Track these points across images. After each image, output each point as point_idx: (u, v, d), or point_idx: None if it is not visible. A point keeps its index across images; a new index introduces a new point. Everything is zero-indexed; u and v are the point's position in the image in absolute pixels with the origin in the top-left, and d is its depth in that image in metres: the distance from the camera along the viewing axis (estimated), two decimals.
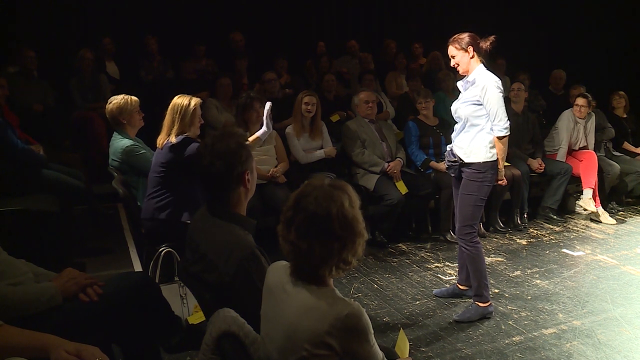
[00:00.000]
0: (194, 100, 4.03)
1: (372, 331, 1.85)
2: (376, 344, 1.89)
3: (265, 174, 5.11)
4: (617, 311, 4.19)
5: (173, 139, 3.91)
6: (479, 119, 3.91)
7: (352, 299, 4.15)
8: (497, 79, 3.92)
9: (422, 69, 8.43)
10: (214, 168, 2.38)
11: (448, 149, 4.14)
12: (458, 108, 4.00)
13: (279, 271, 2.02)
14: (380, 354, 1.92)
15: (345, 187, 1.92)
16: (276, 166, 5.28)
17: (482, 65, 3.94)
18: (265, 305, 2.04)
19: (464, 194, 3.97)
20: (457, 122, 4.08)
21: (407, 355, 2.44)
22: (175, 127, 3.94)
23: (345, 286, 4.55)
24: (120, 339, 2.68)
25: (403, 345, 2.47)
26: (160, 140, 3.98)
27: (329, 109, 6.45)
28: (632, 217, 6.74)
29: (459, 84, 4.06)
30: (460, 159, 3.97)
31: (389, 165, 5.52)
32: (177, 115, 3.96)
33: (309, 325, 1.80)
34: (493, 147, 3.91)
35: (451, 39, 3.94)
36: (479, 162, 3.90)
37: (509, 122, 3.91)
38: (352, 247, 1.87)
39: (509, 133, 3.93)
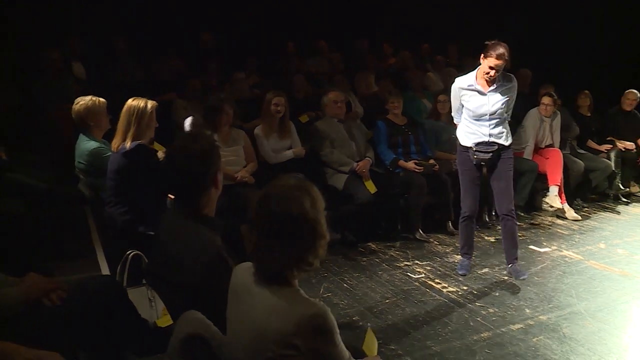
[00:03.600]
0: (150, 103, 3.96)
1: (338, 331, 1.86)
2: (342, 343, 1.90)
3: (233, 174, 5.10)
4: (581, 305, 4.28)
5: (128, 144, 3.85)
6: (507, 112, 4.60)
7: (320, 299, 4.19)
8: None
9: (391, 68, 8.48)
10: (189, 169, 2.37)
11: (483, 140, 4.59)
12: (498, 107, 4.50)
13: (244, 272, 2.01)
14: (347, 353, 1.92)
15: (309, 188, 1.92)
16: (245, 167, 5.27)
17: None
18: (231, 306, 2.04)
19: (509, 172, 4.67)
20: (489, 119, 4.55)
21: (376, 354, 2.45)
22: (132, 131, 3.87)
23: (315, 286, 4.56)
24: (86, 344, 2.65)
25: (371, 343, 2.48)
26: (115, 144, 3.92)
27: (298, 109, 6.46)
28: (596, 213, 6.88)
29: (489, 87, 4.49)
30: (501, 144, 4.59)
31: (357, 165, 5.55)
32: (134, 119, 3.88)
33: (274, 326, 1.81)
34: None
35: (500, 54, 4.28)
36: (510, 144, 4.67)
37: None
38: (313, 248, 1.88)
39: None
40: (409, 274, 4.86)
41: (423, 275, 4.82)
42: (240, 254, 2.28)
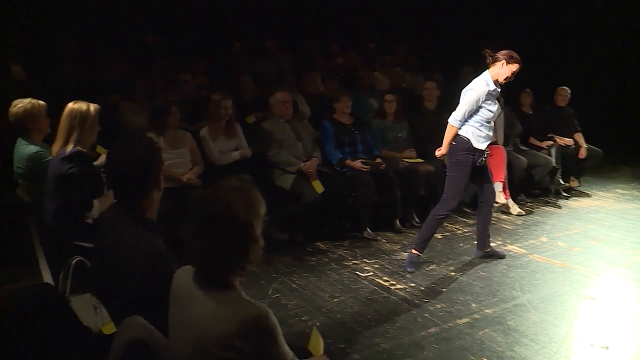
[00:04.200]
0: (93, 107, 3.87)
1: (281, 331, 1.85)
2: (285, 343, 1.89)
3: (179, 177, 5.04)
4: (525, 297, 4.39)
5: (69, 149, 3.75)
6: None
7: (266, 300, 4.18)
8: None
9: (338, 68, 8.51)
10: (130, 172, 2.33)
11: (489, 143, 4.92)
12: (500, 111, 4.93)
13: (184, 276, 1.99)
14: (290, 353, 1.92)
15: (247, 191, 1.91)
16: (191, 169, 5.21)
17: None
18: (172, 311, 2.01)
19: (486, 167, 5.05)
20: (491, 122, 4.90)
21: (322, 353, 2.45)
22: (75, 135, 3.78)
23: (264, 287, 4.53)
24: (25, 355, 2.56)
25: (316, 343, 2.48)
26: (56, 148, 3.82)
27: (245, 109, 6.42)
28: (538, 207, 7.07)
29: (495, 92, 4.84)
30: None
31: (304, 165, 5.55)
32: (76, 122, 3.80)
33: (216, 329, 1.79)
34: None
35: (520, 60, 4.75)
36: None
37: None
38: (244, 252, 1.87)
39: None
40: (357, 272, 4.89)
41: (371, 273, 4.85)
42: (184, 257, 2.26)
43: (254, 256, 1.89)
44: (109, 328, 3.48)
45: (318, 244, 5.56)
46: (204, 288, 1.88)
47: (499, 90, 4.84)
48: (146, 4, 8.10)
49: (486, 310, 4.16)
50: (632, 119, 10.20)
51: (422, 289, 4.55)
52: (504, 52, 4.81)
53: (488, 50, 4.87)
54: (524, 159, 7.12)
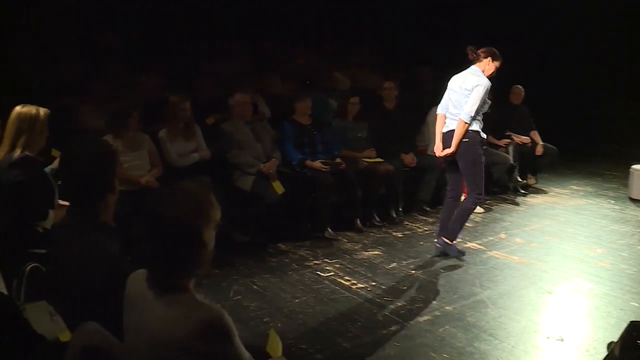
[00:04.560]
0: (42, 110, 3.74)
1: (236, 333, 1.83)
2: (241, 345, 1.87)
3: (138, 180, 4.97)
4: (484, 294, 4.45)
5: (17, 154, 3.65)
6: None
7: (223, 303, 4.15)
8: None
9: (298, 69, 8.49)
10: (85, 175, 2.29)
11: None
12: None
13: (139, 280, 1.96)
14: (247, 354, 1.90)
15: (199, 195, 1.88)
16: (150, 171, 5.15)
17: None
18: (127, 315, 1.97)
19: None
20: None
21: (280, 354, 2.44)
22: (22, 140, 3.65)
23: (225, 289, 4.49)
24: None
25: (275, 344, 2.46)
26: (1, 153, 3.70)
27: (204, 110, 6.35)
28: (497, 205, 7.19)
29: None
30: None
31: (264, 166, 5.52)
32: (25, 126, 3.67)
33: (170, 333, 1.76)
34: None
35: (500, 55, 5.09)
36: None
37: None
38: (193, 256, 1.85)
39: None
40: (318, 272, 4.88)
41: (332, 273, 4.86)
42: (140, 260, 2.22)
43: (203, 260, 1.87)
44: (65, 335, 3.41)
45: (279, 244, 5.54)
46: (158, 291, 1.85)
47: None
48: (103, 3, 7.94)
49: (446, 307, 4.20)
50: (585, 116, 10.47)
51: (383, 287, 4.57)
52: (486, 49, 5.06)
53: (471, 47, 5.08)
54: None
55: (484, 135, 5.10)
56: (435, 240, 5.33)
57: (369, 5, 9.47)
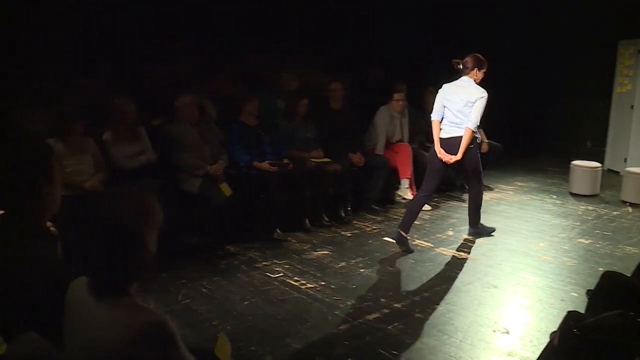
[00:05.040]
0: None
1: (180, 337, 1.80)
2: (186, 350, 1.84)
3: (82, 184, 4.85)
4: (432, 290, 4.52)
5: None
6: None
7: (171, 307, 4.09)
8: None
9: (246, 70, 8.44)
10: (22, 177, 2.21)
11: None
12: None
13: (79, 286, 1.91)
14: (191, 358, 1.87)
15: (139, 198, 1.85)
16: (95, 175, 5.04)
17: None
18: (67, 322, 1.92)
19: None
20: None
21: (229, 357, 2.42)
22: None
23: (173, 293, 4.42)
24: None
25: (223, 347, 2.44)
26: None
27: (150, 112, 6.25)
28: (445, 202, 7.31)
29: None
30: None
31: (211, 168, 5.47)
32: None
33: (111, 339, 1.72)
34: None
35: (485, 60, 5.53)
36: None
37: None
38: (133, 259, 1.81)
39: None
40: (268, 273, 4.86)
41: (282, 274, 4.84)
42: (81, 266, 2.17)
43: (145, 264, 1.83)
44: (1, 348, 3.30)
45: (228, 247, 5.48)
46: (98, 297, 1.81)
47: None
48: (44, 1, 7.70)
49: (395, 305, 4.24)
50: (528, 114, 10.74)
51: (333, 287, 4.58)
52: (471, 59, 5.48)
53: (456, 60, 5.53)
54: (428, 156, 7.29)
55: (477, 135, 5.49)
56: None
57: (317, 5, 9.48)
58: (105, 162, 5.23)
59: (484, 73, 5.49)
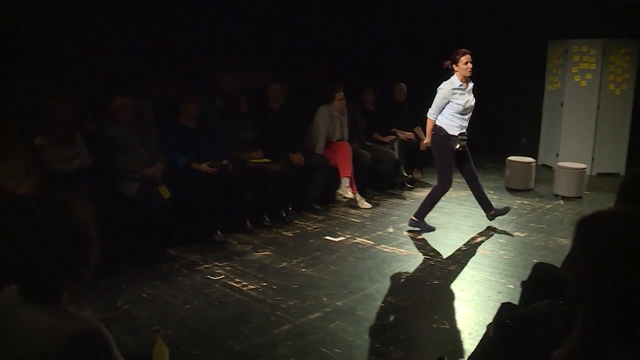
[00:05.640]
0: None
1: (114, 344, 1.76)
2: (121, 357, 1.80)
3: (13, 190, 4.69)
4: (373, 287, 4.55)
5: None
6: None
7: (111, 314, 4.00)
8: None
9: (186, 70, 8.33)
10: None
11: (462, 131, 5.87)
12: (474, 102, 5.89)
13: (9, 295, 1.84)
14: None
15: (64, 203, 1.79)
16: (27, 181, 4.87)
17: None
18: None
19: (468, 152, 6.09)
20: (468, 114, 5.91)
21: None
22: None
23: (112, 299, 4.32)
24: None
25: (161, 352, 2.40)
26: None
27: (85, 115, 6.09)
28: (385, 200, 7.39)
29: (467, 87, 5.86)
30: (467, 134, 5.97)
31: (149, 171, 5.37)
32: None
33: (41, 349, 1.66)
34: None
35: (465, 50, 5.82)
36: None
37: None
38: (62, 267, 1.76)
39: None
40: (209, 276, 4.81)
41: (223, 276, 4.80)
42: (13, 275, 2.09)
43: (78, 271, 1.78)
44: None
45: (168, 250, 5.38)
46: (29, 304, 1.75)
47: (471, 84, 5.87)
48: None
49: (337, 303, 4.26)
50: None
51: (274, 287, 4.57)
52: (451, 57, 5.81)
53: (446, 62, 5.85)
54: (368, 154, 7.39)
55: (453, 133, 5.83)
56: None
57: (257, 5, 9.44)
58: (38, 167, 5.07)
59: (467, 62, 5.72)
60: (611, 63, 9.07)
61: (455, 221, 6.47)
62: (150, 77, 7.55)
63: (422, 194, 7.63)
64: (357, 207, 6.92)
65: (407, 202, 7.27)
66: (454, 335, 3.77)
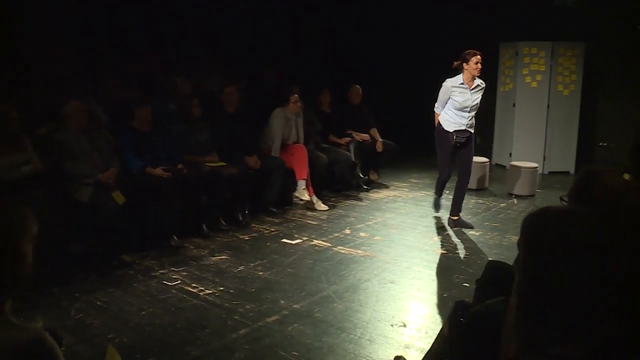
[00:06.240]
0: None
1: (61, 354, 1.72)
2: None
3: None
4: (330, 289, 4.57)
5: None
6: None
7: (64, 323, 3.92)
8: None
9: (138, 73, 8.21)
10: None
11: (461, 128, 6.08)
12: (476, 102, 6.13)
13: None
14: None
15: (12, 208, 1.75)
16: None
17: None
18: None
19: (472, 151, 6.27)
20: (469, 112, 6.09)
21: None
22: None
23: (66, 308, 4.22)
24: None
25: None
26: None
27: (35, 120, 5.94)
28: (341, 202, 7.41)
29: (471, 86, 6.10)
30: (470, 132, 6.15)
31: (102, 176, 5.27)
32: None
33: None
34: None
35: (475, 51, 6.10)
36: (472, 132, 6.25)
37: None
38: (7, 273, 1.71)
39: None
40: (165, 282, 4.75)
41: (179, 281, 4.75)
42: None
43: (20, 277, 1.73)
44: None
45: (123, 256, 5.30)
46: None
47: (479, 83, 6.17)
48: None
49: (294, 306, 4.26)
50: (419, 113, 11.07)
51: (231, 291, 4.54)
52: (462, 56, 6.05)
53: (455, 62, 6.10)
54: (324, 156, 7.41)
55: (448, 129, 6.10)
56: None
57: (211, 8, 9.37)
58: None
59: (477, 62, 6.01)
60: (560, 65, 9.32)
61: (411, 221, 6.54)
62: (103, 80, 7.41)
63: (379, 195, 7.74)
64: (313, 209, 6.92)
65: (364, 204, 7.32)
66: (412, 334, 3.81)
